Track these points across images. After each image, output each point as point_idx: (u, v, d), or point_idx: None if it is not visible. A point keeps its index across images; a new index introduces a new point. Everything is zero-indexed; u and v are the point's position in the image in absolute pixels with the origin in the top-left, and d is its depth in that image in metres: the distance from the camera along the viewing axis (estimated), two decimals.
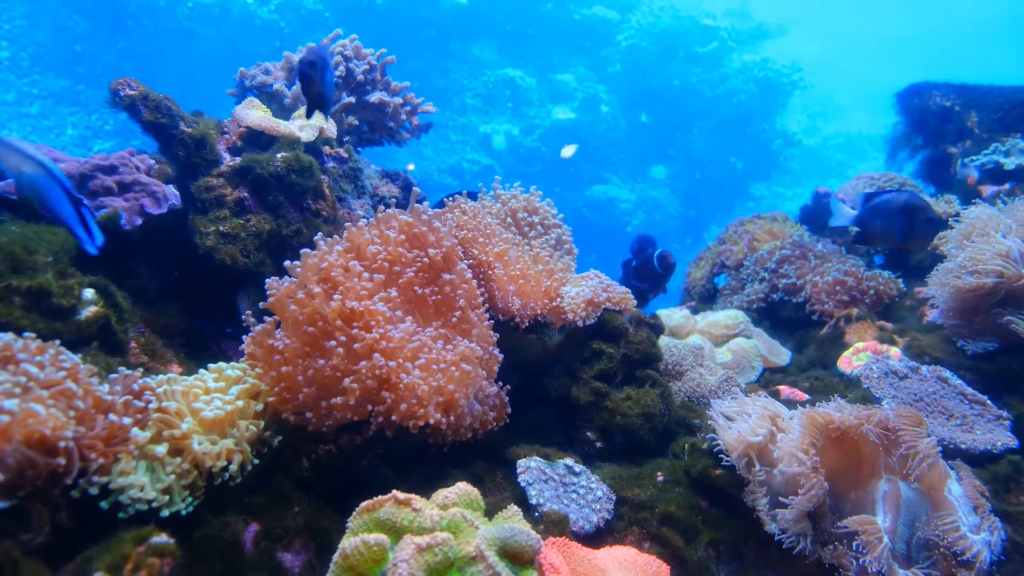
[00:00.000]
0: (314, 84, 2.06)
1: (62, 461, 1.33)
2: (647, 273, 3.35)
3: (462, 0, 13.79)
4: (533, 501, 1.77)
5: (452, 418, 1.80)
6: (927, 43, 25.08)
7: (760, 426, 1.86)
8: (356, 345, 1.74)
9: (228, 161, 2.47)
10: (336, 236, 2.03)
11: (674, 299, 4.64)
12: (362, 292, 1.83)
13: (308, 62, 2.04)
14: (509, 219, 2.55)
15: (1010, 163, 3.82)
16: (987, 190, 3.87)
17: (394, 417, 1.72)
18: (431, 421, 1.74)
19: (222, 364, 1.85)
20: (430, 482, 1.81)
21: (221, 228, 2.27)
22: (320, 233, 2.00)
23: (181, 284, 2.37)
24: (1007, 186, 3.82)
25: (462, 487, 1.54)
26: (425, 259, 2.02)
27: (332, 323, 1.76)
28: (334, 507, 1.71)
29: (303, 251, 1.91)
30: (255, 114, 2.63)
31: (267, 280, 1.90)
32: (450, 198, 2.48)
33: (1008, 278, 2.37)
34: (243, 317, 1.90)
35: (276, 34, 12.57)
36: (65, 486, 1.37)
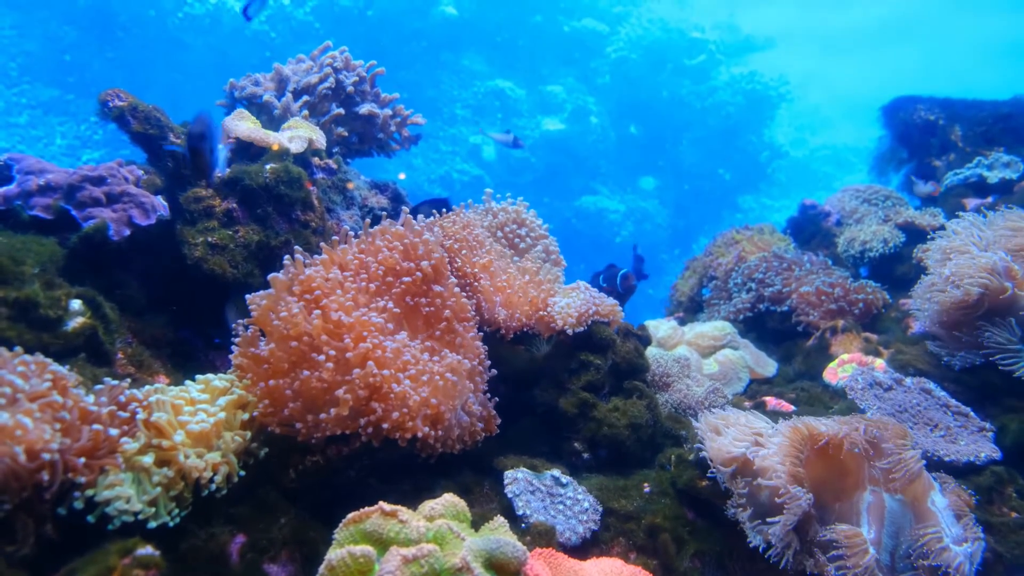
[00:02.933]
0: (202, 155, 2.07)
1: (46, 477, 1.32)
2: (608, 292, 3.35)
3: (452, 11, 13.87)
4: (520, 512, 1.78)
5: (439, 431, 1.81)
6: (912, 57, 25.44)
7: (743, 439, 1.88)
8: (349, 354, 1.74)
9: (217, 172, 2.48)
10: (326, 245, 2.03)
11: (662, 310, 4.67)
12: (348, 304, 1.83)
13: (197, 134, 2.02)
14: (499, 232, 2.56)
15: (993, 176, 3.89)
16: (970, 203, 3.93)
17: (385, 425, 1.72)
18: (421, 433, 1.74)
19: (210, 376, 1.85)
20: (417, 493, 1.81)
21: (209, 239, 2.27)
22: (298, 248, 2.01)
23: (169, 295, 2.37)
24: (990, 199, 3.88)
25: (448, 498, 1.54)
26: (418, 273, 2.02)
27: (316, 338, 1.77)
28: (321, 518, 1.71)
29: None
30: (244, 125, 2.63)
31: (247, 296, 1.90)
32: (425, 204, 2.49)
33: (992, 291, 2.41)
34: (232, 327, 1.90)
35: (267, 45, 12.58)
36: (52, 498, 1.36)
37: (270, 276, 1.91)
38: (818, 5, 24.68)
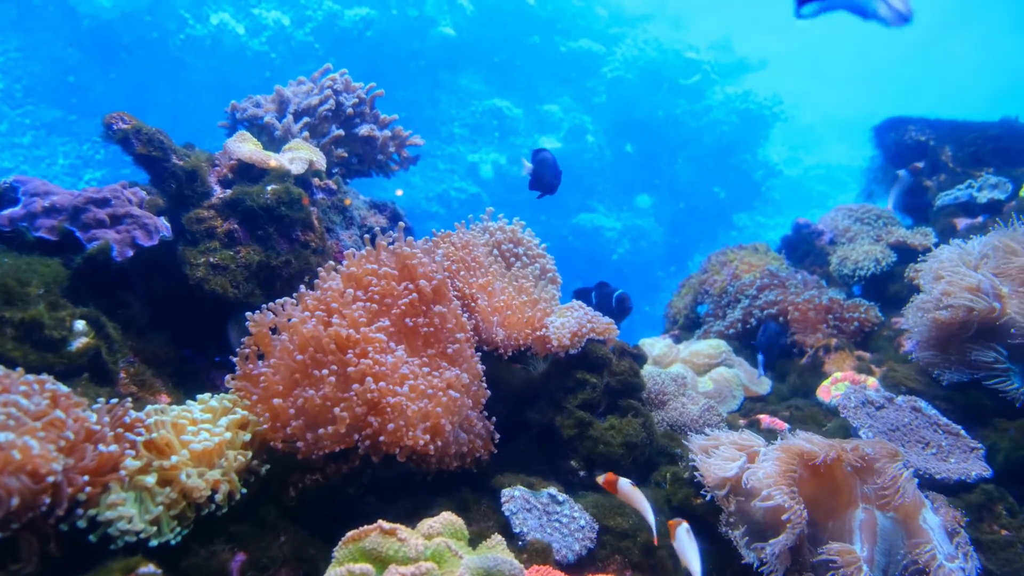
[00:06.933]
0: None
1: (47, 500, 1.34)
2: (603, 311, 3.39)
3: (451, 32, 14.02)
4: (516, 530, 1.80)
5: (438, 443, 1.83)
6: (904, 77, 25.72)
7: (734, 459, 1.90)
8: (350, 369, 1.78)
9: (219, 193, 2.52)
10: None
11: (657, 328, 4.71)
12: (360, 319, 1.88)
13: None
14: (495, 251, 2.60)
15: (982, 197, 3.95)
16: (961, 223, 3.99)
17: (382, 438, 1.75)
18: (420, 443, 1.77)
19: (209, 395, 1.88)
20: (415, 511, 1.83)
21: (211, 259, 2.31)
22: (308, 264, 2.07)
23: (171, 314, 2.40)
24: (980, 219, 3.94)
25: (447, 517, 1.57)
26: (414, 295, 2.06)
27: (326, 348, 1.80)
28: (320, 536, 1.74)
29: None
30: (246, 147, 2.68)
31: (247, 314, 1.94)
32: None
33: (980, 311, 2.45)
34: (239, 345, 1.94)
35: (267, 65, 12.69)
36: (56, 517, 1.38)
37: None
38: (811, 26, 24.96)
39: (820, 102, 23.92)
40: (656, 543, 1.82)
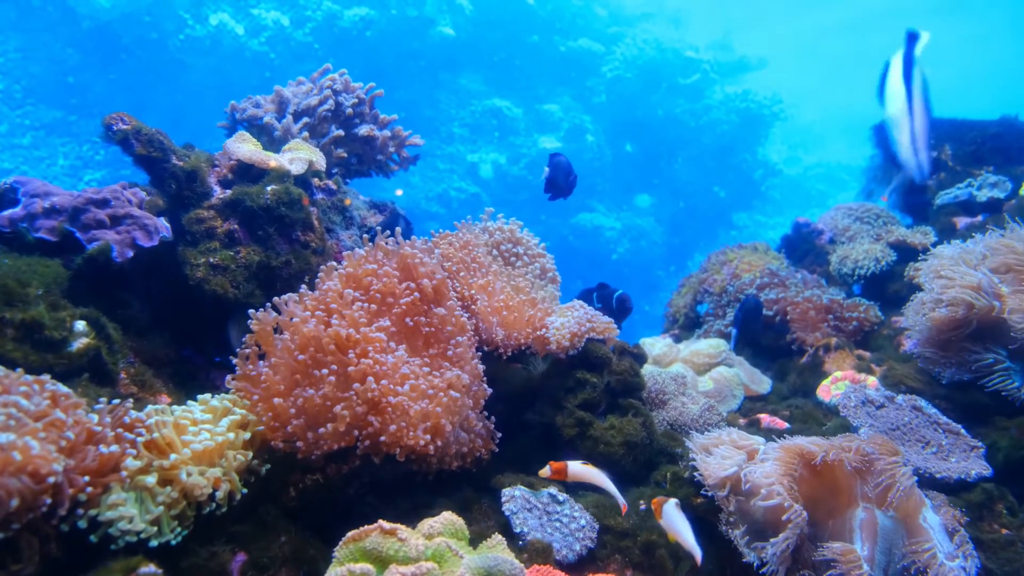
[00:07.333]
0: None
1: (48, 501, 1.34)
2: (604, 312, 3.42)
3: (450, 32, 14.01)
4: (517, 530, 1.80)
5: (439, 443, 1.84)
6: None
7: (734, 459, 1.90)
8: (351, 369, 1.78)
9: (219, 194, 2.52)
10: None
11: (657, 327, 4.71)
12: (360, 319, 1.88)
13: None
14: (495, 251, 2.60)
15: (982, 196, 3.95)
16: (961, 222, 3.99)
17: (383, 438, 1.75)
18: (421, 443, 1.77)
19: (209, 395, 1.88)
20: (416, 511, 1.83)
21: (211, 260, 2.31)
22: (308, 264, 2.07)
23: (171, 314, 2.40)
24: (980, 218, 3.94)
25: (447, 517, 1.57)
26: (416, 293, 2.06)
27: (326, 348, 1.81)
28: (321, 536, 1.74)
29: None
30: (246, 147, 2.68)
31: (250, 311, 1.95)
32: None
33: (980, 309, 2.45)
34: (239, 345, 1.94)
35: (267, 65, 12.69)
36: (57, 517, 1.38)
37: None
38: (811, 25, 25.00)
39: (820, 101, 23.94)
40: (624, 512, 1.85)
